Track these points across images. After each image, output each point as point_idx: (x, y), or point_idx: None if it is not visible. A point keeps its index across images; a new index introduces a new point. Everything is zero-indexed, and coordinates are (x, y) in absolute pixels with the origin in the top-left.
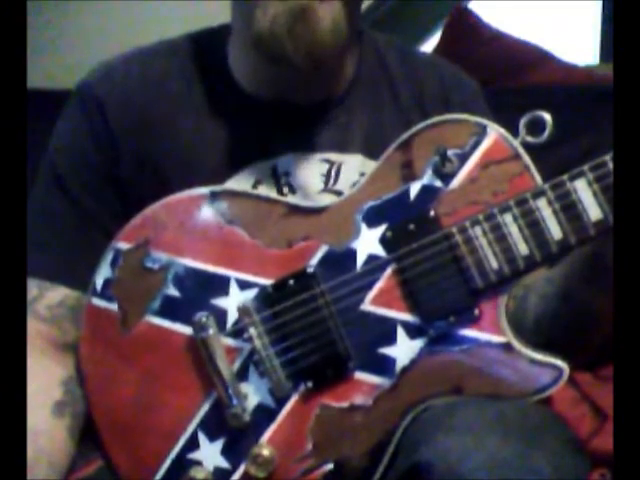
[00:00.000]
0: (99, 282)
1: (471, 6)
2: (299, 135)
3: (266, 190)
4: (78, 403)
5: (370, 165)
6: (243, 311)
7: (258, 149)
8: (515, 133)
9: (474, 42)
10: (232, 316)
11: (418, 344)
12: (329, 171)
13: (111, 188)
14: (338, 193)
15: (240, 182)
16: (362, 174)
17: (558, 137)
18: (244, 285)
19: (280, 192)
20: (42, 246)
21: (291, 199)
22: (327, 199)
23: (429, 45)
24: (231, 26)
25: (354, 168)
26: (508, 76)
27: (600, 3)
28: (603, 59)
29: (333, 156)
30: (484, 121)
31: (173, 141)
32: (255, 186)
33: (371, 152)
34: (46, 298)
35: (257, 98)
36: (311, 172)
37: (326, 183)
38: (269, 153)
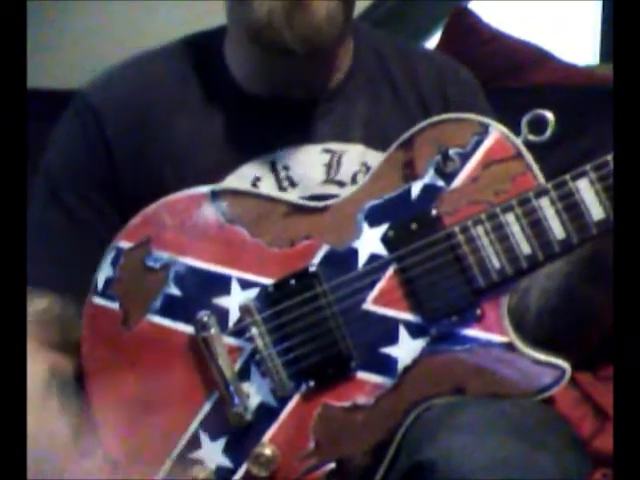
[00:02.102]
0: (100, 281)
1: (471, 6)
2: (298, 128)
3: (266, 185)
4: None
5: (371, 155)
6: (245, 310)
7: (257, 145)
8: (516, 132)
9: (474, 42)
10: (234, 315)
11: (420, 344)
12: (330, 161)
13: (106, 196)
14: (340, 184)
15: (239, 179)
16: (363, 164)
17: (558, 137)
18: (245, 284)
19: (280, 186)
20: (32, 253)
21: (292, 195)
22: (329, 190)
23: (429, 45)
24: (227, 25)
25: (355, 158)
26: (508, 76)
27: (600, 3)
28: (603, 59)
29: (334, 146)
30: (486, 120)
31: (170, 143)
32: (254, 182)
33: (371, 142)
34: (32, 304)
35: (255, 95)
36: (312, 163)
37: (328, 174)
38: (268, 148)
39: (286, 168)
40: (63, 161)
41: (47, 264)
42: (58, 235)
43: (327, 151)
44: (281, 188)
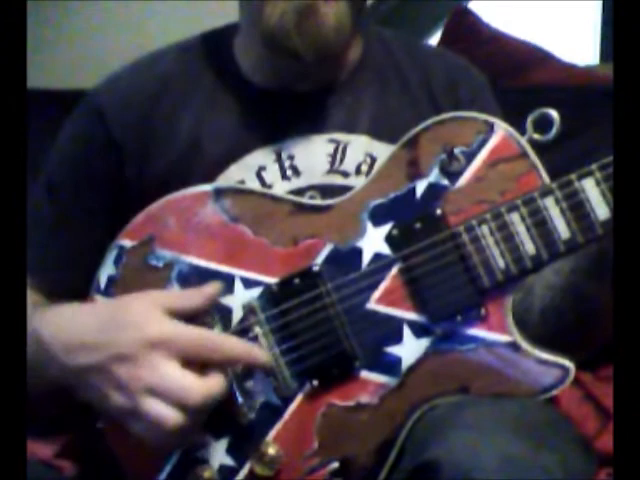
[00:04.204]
0: (102, 279)
1: (471, 6)
2: (305, 118)
3: (270, 175)
4: None
5: (376, 146)
6: (248, 309)
7: (263, 135)
8: (518, 132)
9: (474, 42)
10: (237, 314)
11: (424, 343)
12: (335, 151)
13: (105, 197)
14: (344, 174)
15: (243, 168)
16: (368, 155)
17: (558, 137)
18: (249, 283)
19: (284, 175)
20: None
21: (295, 183)
22: (333, 180)
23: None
24: (238, 23)
25: (360, 148)
26: (508, 76)
27: (600, 3)
28: (603, 59)
29: (339, 136)
30: (491, 119)
31: (176, 138)
32: (259, 171)
33: (377, 133)
34: None
35: (263, 88)
36: (317, 153)
37: (332, 163)
38: (275, 138)
39: (291, 157)
40: (63, 158)
41: (33, 259)
42: (47, 231)
43: (332, 141)
44: (285, 177)
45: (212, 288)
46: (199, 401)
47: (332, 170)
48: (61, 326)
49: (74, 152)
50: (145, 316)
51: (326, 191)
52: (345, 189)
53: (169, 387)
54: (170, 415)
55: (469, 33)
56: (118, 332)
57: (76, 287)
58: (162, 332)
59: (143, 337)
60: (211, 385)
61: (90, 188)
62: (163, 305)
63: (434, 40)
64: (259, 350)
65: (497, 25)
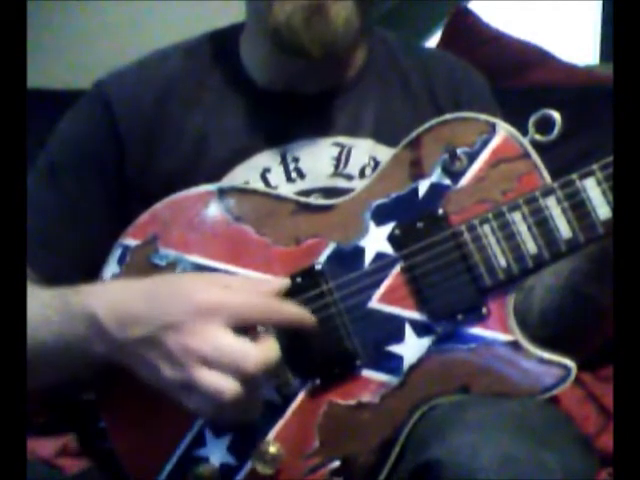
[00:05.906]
0: (106, 278)
1: (471, 6)
2: (310, 121)
3: (275, 176)
4: None
5: (380, 149)
6: None
7: (269, 137)
8: (519, 132)
9: (474, 42)
10: None
11: (426, 342)
12: (340, 154)
13: (107, 185)
14: (348, 177)
15: (248, 169)
16: (372, 158)
17: (559, 137)
18: None
19: (289, 177)
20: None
21: (300, 185)
22: (337, 183)
23: (429, 45)
24: (244, 23)
25: (364, 152)
26: (508, 76)
27: (600, 3)
28: (603, 59)
29: (344, 140)
30: (494, 119)
31: (181, 138)
32: (264, 173)
33: (381, 136)
34: None
35: (268, 90)
36: (321, 156)
37: (337, 167)
38: (280, 140)
39: (296, 160)
40: (68, 143)
41: (33, 244)
42: (50, 215)
43: (337, 144)
44: (290, 179)
45: (281, 282)
46: (257, 367)
47: (336, 173)
48: (111, 301)
49: (79, 136)
50: (192, 285)
51: (330, 194)
52: (349, 192)
53: (223, 355)
54: (227, 385)
55: (469, 33)
56: (166, 302)
57: (77, 274)
58: (210, 299)
59: (191, 305)
60: (267, 349)
61: (93, 174)
62: (223, 282)
63: (434, 40)
64: (307, 312)
65: (497, 25)
